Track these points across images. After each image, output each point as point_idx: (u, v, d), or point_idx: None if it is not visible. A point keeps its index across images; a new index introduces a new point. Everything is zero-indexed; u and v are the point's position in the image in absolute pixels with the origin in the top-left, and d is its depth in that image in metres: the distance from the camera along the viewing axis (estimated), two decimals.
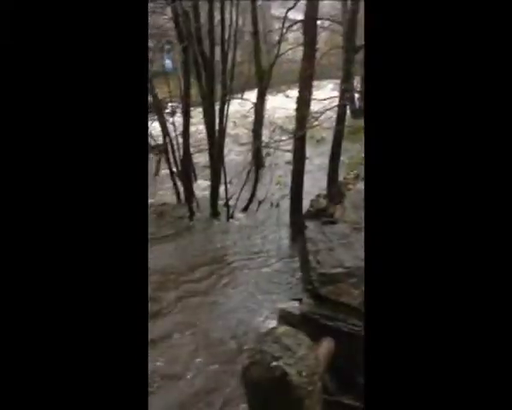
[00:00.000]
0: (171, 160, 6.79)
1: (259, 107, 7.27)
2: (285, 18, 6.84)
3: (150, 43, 6.75)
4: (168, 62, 9.31)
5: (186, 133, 6.51)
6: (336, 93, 6.39)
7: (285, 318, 2.63)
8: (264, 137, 7.30)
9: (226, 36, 6.31)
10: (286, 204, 6.33)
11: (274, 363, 1.40)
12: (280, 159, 7.40)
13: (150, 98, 6.19)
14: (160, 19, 6.82)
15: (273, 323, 4.20)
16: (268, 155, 7.51)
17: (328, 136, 6.72)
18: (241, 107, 7.96)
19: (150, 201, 6.96)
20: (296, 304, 2.80)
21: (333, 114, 6.05)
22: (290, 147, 6.05)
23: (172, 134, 6.71)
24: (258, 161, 7.19)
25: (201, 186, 7.29)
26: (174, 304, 4.64)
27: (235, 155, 8.19)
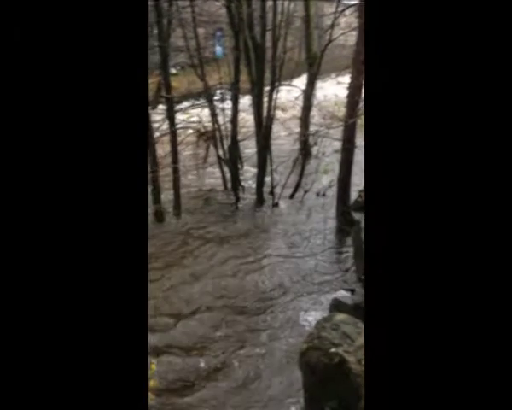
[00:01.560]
0: (219, 146, 6.88)
1: (309, 93, 7.14)
2: (338, 2, 6.62)
3: (202, 30, 6.83)
4: (219, 49, 9.40)
5: (234, 120, 6.55)
6: None
7: (337, 307, 2.59)
8: (313, 125, 7.17)
9: (277, 21, 6.23)
10: (332, 194, 6.21)
11: (333, 349, 1.38)
12: (328, 148, 7.25)
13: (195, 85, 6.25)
14: (213, 6, 6.87)
15: (313, 314, 4.18)
16: (315, 144, 7.39)
17: None
18: (289, 93, 7.86)
19: (194, 189, 7.11)
20: (348, 294, 2.74)
21: None
22: (339, 135, 5.90)
23: (221, 121, 6.79)
24: (305, 149, 7.10)
25: (248, 173, 7.33)
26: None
27: (283, 142, 8.14)
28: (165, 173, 6.27)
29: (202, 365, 3.57)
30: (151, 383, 2.62)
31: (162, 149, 6.24)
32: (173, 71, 8.71)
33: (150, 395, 2.46)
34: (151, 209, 6.07)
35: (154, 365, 2.66)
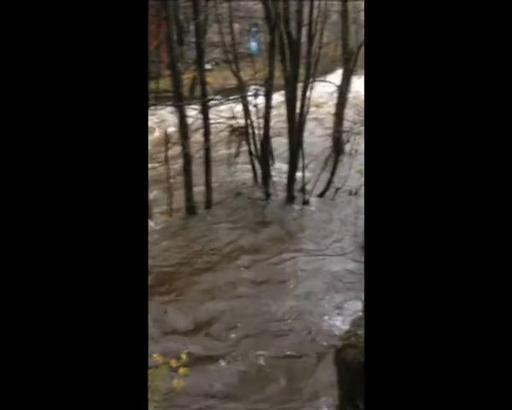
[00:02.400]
0: (251, 142, 6.91)
1: (344, 90, 7.01)
2: None
3: (237, 25, 6.86)
4: (254, 45, 9.43)
5: (267, 116, 6.55)
6: None
7: None
8: (348, 122, 7.05)
9: (314, 16, 6.15)
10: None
11: None
12: (362, 145, 7.09)
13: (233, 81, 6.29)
14: (249, 2, 6.87)
15: (342, 314, 4.11)
16: (347, 141, 7.26)
17: None
18: (324, 89, 7.76)
19: (225, 184, 7.16)
20: None
21: None
22: None
23: (254, 117, 6.81)
24: (338, 147, 6.99)
25: (279, 169, 7.30)
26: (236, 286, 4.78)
27: (316, 139, 8.05)
28: (197, 167, 6.37)
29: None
30: (181, 371, 2.66)
31: (195, 144, 6.34)
32: (208, 66, 8.82)
33: (181, 383, 2.50)
34: (183, 202, 6.19)
35: (184, 355, 2.71)
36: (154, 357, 2.53)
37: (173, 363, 2.61)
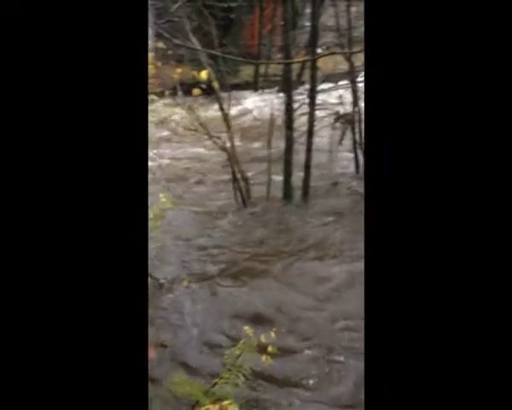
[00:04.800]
0: (356, 130, 6.64)
1: None
2: None
3: (354, 9, 6.56)
4: None
5: None
6: None
7: None
8: None
9: None
10: None
11: None
12: None
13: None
14: None
15: None
16: None
17: None
18: None
19: (325, 172, 7.02)
20: None
21: None
22: None
23: (362, 104, 6.51)
24: None
25: None
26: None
27: None
28: (298, 153, 6.38)
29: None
30: (270, 348, 2.74)
31: (299, 130, 6.34)
32: (319, 51, 8.66)
33: (269, 360, 2.59)
34: (281, 187, 6.28)
35: (273, 333, 2.79)
36: (245, 330, 2.66)
37: (263, 339, 2.72)
